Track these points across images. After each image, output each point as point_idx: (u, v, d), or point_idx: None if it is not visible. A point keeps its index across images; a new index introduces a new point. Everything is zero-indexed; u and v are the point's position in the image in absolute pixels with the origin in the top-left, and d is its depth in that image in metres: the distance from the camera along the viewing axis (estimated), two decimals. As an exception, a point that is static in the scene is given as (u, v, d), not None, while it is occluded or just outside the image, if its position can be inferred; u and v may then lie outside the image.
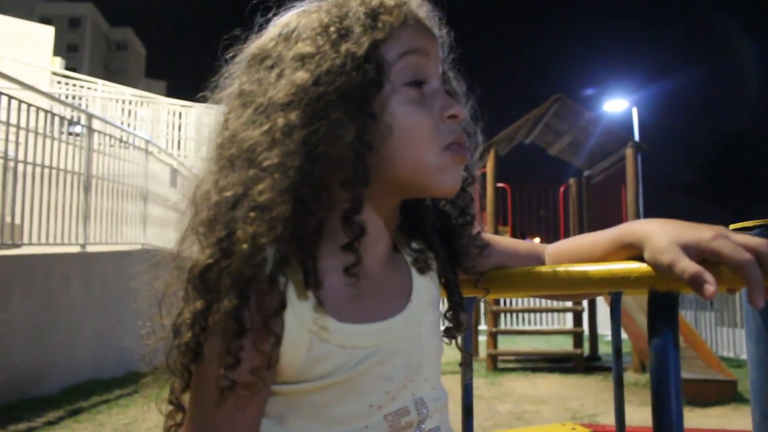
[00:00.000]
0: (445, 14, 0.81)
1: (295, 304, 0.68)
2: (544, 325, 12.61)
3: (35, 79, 10.29)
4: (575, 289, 0.78)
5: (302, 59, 0.70)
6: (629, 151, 8.50)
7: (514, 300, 10.00)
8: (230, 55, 0.78)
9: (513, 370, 8.16)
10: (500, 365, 8.35)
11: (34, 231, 5.81)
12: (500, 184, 9.54)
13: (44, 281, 5.73)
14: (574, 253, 0.85)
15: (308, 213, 0.67)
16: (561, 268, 0.79)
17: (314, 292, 0.68)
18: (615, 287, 0.72)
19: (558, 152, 10.33)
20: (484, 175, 9.21)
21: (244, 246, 0.64)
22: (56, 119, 6.80)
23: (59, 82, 13.11)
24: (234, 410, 0.67)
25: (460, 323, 0.86)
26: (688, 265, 0.62)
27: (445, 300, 0.88)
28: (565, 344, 9.59)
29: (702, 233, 0.64)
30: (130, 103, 12.45)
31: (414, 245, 0.85)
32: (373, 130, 0.70)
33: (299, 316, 0.68)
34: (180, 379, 0.70)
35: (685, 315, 9.84)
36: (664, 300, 0.64)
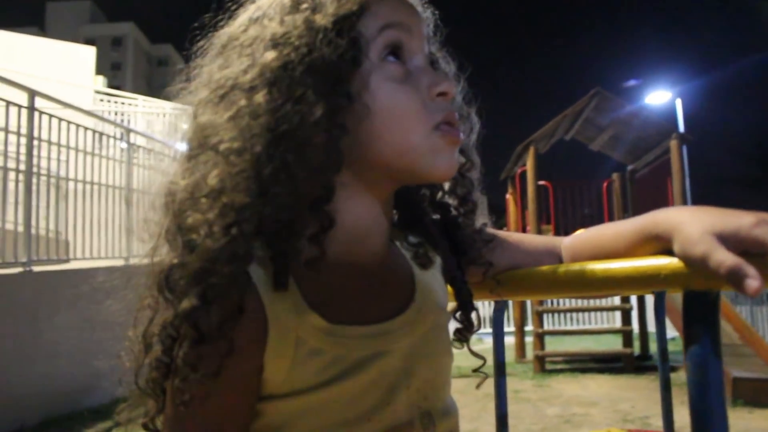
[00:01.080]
0: None
1: (273, 303, 0.62)
2: (592, 324, 12.33)
3: (79, 98, 10.59)
4: (595, 290, 0.69)
5: (271, 39, 0.65)
6: (674, 143, 8.25)
7: (559, 299, 9.79)
8: (199, 46, 0.73)
9: (561, 371, 7.97)
10: (548, 366, 8.17)
11: (79, 246, 5.97)
12: (541, 182, 9.34)
13: (90, 294, 5.84)
14: (595, 247, 0.75)
15: (274, 203, 0.61)
16: (577, 268, 0.70)
17: (285, 291, 0.62)
18: (642, 287, 0.64)
19: (600, 147, 10.10)
20: (524, 173, 9.08)
21: (194, 236, 0.59)
22: (97, 135, 6.96)
23: (102, 100, 13.44)
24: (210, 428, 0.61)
25: (471, 323, 0.78)
26: (724, 258, 0.53)
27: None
28: (614, 343, 9.33)
29: (741, 220, 0.55)
30: (172, 116, 12.70)
31: (412, 239, 0.79)
32: (351, 111, 0.64)
33: (279, 318, 0.62)
34: (153, 399, 0.64)
35: (740, 311, 9.45)
36: (702, 301, 0.55)
